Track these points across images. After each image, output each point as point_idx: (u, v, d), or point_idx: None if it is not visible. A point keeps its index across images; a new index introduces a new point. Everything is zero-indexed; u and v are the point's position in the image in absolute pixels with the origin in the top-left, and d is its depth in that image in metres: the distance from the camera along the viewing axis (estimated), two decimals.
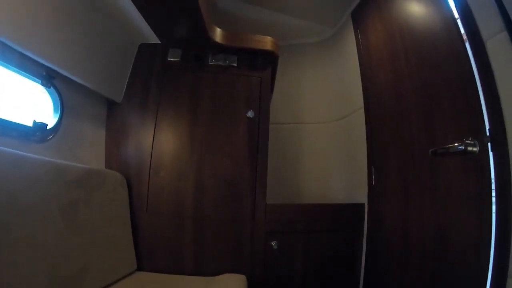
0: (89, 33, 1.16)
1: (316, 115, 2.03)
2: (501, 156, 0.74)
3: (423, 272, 1.02)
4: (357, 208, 1.45)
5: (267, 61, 1.49)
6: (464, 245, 0.87)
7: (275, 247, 1.29)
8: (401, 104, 1.21)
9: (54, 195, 0.87)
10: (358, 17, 1.66)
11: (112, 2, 1.17)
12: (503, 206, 0.73)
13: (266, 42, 1.46)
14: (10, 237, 0.70)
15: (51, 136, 1.10)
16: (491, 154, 0.78)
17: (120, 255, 1.13)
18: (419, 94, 1.10)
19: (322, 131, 1.99)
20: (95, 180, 1.09)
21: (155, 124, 1.39)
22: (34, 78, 1.01)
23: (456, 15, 0.91)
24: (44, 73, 1.03)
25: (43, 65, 0.99)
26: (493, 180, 0.78)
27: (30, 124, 1.01)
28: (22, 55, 0.91)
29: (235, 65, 1.48)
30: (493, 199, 0.77)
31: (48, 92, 1.11)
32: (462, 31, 0.88)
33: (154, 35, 1.42)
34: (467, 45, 0.86)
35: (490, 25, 0.78)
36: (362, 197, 1.47)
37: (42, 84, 1.04)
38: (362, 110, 1.53)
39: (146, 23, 1.30)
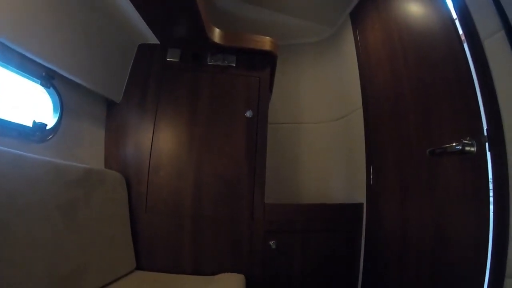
0: (88, 33, 1.16)
1: (315, 115, 2.03)
2: (499, 156, 0.74)
3: (422, 272, 1.02)
4: (355, 208, 1.46)
5: (265, 61, 1.50)
6: (462, 244, 0.87)
7: (274, 246, 1.30)
8: (399, 104, 1.21)
9: (54, 195, 0.88)
10: (356, 17, 1.66)
11: (111, 3, 1.18)
12: (500, 206, 0.73)
13: (265, 42, 1.46)
14: (9, 237, 0.70)
15: (50, 136, 1.10)
16: (488, 154, 0.78)
17: (119, 254, 1.13)
18: (417, 94, 1.10)
19: (321, 131, 1.99)
20: (95, 180, 1.09)
21: (154, 124, 1.40)
22: (34, 78, 1.02)
23: (454, 15, 0.91)
24: (44, 74, 1.03)
25: (42, 65, 1.00)
26: (490, 180, 0.78)
27: (30, 124, 1.02)
28: (22, 56, 0.91)
29: (234, 65, 1.48)
30: (491, 199, 0.77)
31: (48, 92, 1.11)
32: (460, 31, 0.88)
33: (154, 36, 1.42)
34: (465, 45, 0.86)
35: (487, 25, 0.78)
36: (361, 197, 1.47)
37: (42, 84, 1.05)
38: (361, 110, 1.53)
39: (145, 23, 1.31)
